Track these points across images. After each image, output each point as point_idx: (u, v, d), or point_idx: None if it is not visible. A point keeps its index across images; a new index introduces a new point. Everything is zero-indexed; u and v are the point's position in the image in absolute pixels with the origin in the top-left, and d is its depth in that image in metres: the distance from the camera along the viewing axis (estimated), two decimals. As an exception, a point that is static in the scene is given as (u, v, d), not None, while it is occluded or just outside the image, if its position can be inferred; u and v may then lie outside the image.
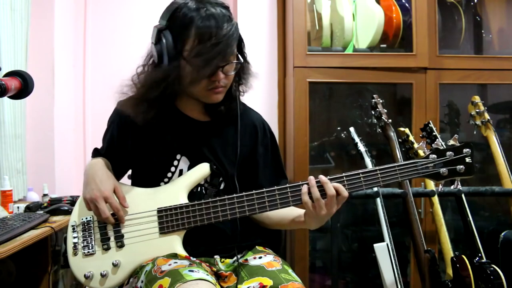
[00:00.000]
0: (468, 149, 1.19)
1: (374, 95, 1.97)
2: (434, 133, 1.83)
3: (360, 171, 1.18)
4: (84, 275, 1.20)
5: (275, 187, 1.19)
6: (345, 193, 1.15)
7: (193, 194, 1.28)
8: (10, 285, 1.73)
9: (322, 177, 1.15)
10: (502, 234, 1.85)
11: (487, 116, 1.98)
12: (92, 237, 1.23)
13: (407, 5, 2.26)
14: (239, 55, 1.25)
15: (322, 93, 2.62)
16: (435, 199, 1.92)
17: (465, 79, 2.22)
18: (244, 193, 1.19)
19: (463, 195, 1.83)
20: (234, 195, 1.20)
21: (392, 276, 1.75)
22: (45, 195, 2.04)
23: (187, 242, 1.22)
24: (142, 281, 1.13)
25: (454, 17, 2.39)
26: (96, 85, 2.54)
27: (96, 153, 1.39)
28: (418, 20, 2.16)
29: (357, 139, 1.98)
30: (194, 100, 1.29)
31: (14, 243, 1.36)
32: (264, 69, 2.51)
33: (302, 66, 2.15)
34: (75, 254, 1.22)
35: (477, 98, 2.01)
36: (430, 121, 1.87)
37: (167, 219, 1.21)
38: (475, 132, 2.04)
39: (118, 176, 1.38)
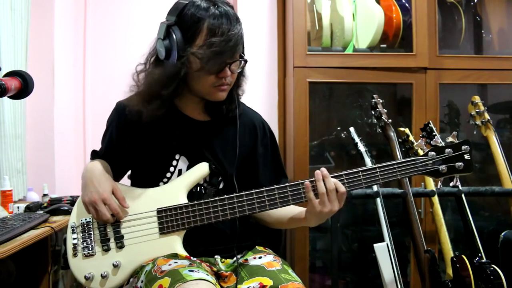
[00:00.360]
0: (466, 146, 1.20)
1: (374, 95, 1.97)
2: (434, 133, 1.83)
3: (359, 169, 1.19)
4: (85, 276, 1.20)
5: (275, 186, 1.19)
6: (342, 188, 1.15)
7: (192, 194, 1.28)
8: (10, 285, 1.73)
9: (323, 170, 1.16)
10: (502, 234, 1.85)
11: (487, 116, 1.98)
12: (92, 238, 1.23)
13: (407, 5, 2.26)
14: (242, 55, 1.25)
15: (322, 93, 2.62)
16: (435, 199, 1.92)
17: (465, 79, 2.22)
18: (243, 193, 1.20)
19: (463, 195, 1.83)
20: (234, 194, 1.20)
21: (392, 276, 1.75)
22: (45, 195, 2.04)
23: (187, 242, 1.22)
24: (142, 281, 1.13)
25: (454, 17, 2.39)
26: (96, 85, 2.54)
27: (94, 155, 1.39)
28: (418, 20, 2.16)
29: (357, 139, 1.98)
30: (194, 99, 1.30)
31: (14, 243, 1.36)
32: (264, 69, 2.51)
33: (302, 66, 2.15)
34: (75, 255, 1.22)
35: (477, 98, 2.01)
36: (430, 121, 1.87)
37: (167, 219, 1.21)
38: (475, 132, 2.04)
39: (118, 177, 1.38)
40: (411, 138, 1.90)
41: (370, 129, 2.44)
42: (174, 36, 1.18)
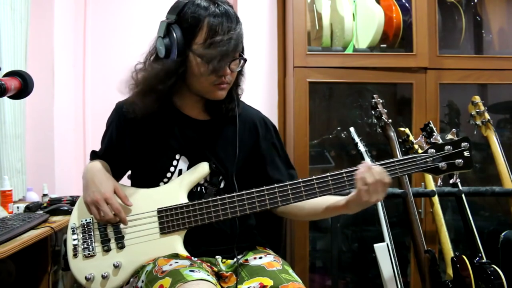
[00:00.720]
0: (466, 143, 1.20)
1: (374, 95, 1.97)
2: (434, 133, 1.83)
3: (359, 166, 1.18)
4: (85, 277, 1.20)
5: (275, 185, 1.19)
6: (387, 178, 1.15)
7: (193, 194, 1.28)
8: (10, 285, 1.73)
9: (368, 163, 1.15)
10: (503, 234, 1.85)
11: (487, 116, 1.98)
12: (92, 239, 1.23)
13: (407, 5, 2.26)
14: (241, 54, 1.26)
15: (322, 93, 2.62)
16: (435, 199, 1.91)
17: (465, 79, 2.22)
18: (244, 192, 1.20)
19: (463, 195, 1.83)
20: (234, 194, 1.20)
21: (392, 276, 1.74)
22: (44, 195, 2.04)
23: (188, 242, 1.22)
24: (142, 281, 1.13)
25: (454, 17, 2.39)
26: (96, 85, 2.54)
27: (94, 155, 1.39)
28: (418, 20, 2.16)
29: (357, 139, 1.98)
30: (194, 98, 1.29)
31: (14, 243, 1.36)
32: (264, 69, 2.51)
33: (302, 66, 2.15)
34: (75, 256, 1.22)
35: (477, 98, 2.01)
36: (430, 121, 1.87)
37: (168, 219, 1.21)
38: (475, 132, 2.04)
39: (117, 177, 1.38)
40: (411, 138, 1.90)
41: (370, 129, 2.44)
42: (174, 35, 1.18)
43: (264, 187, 1.20)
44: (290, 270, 1.21)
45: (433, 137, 1.24)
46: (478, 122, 2.00)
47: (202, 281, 1.05)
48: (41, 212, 1.76)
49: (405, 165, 1.19)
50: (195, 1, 1.20)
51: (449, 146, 1.19)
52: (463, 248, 2.14)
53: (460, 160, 1.19)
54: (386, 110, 1.94)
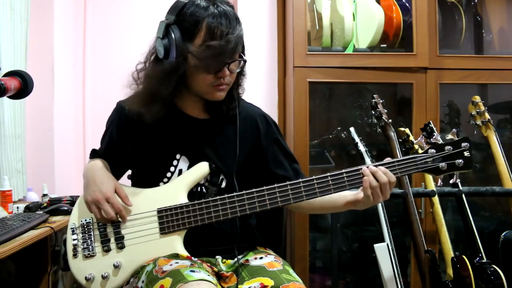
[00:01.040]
0: (466, 143, 1.20)
1: (374, 95, 1.97)
2: (434, 133, 1.83)
3: (359, 167, 1.19)
4: (85, 277, 1.19)
5: (275, 185, 1.19)
6: (393, 178, 1.17)
7: (193, 194, 1.27)
8: (9, 285, 1.73)
9: (371, 167, 1.17)
10: (503, 234, 1.85)
11: (487, 116, 1.98)
12: (92, 239, 1.23)
13: (407, 5, 2.26)
14: (241, 55, 1.25)
15: (322, 93, 2.62)
16: (436, 199, 1.91)
17: (465, 79, 2.22)
18: (244, 192, 1.20)
19: (463, 195, 1.83)
20: (234, 193, 1.20)
21: (392, 276, 1.74)
22: (44, 195, 2.04)
23: (188, 242, 1.22)
24: (143, 281, 1.13)
25: (454, 17, 2.39)
26: (96, 85, 2.54)
27: (94, 154, 1.39)
28: (419, 20, 2.16)
29: (357, 139, 1.98)
30: (194, 98, 1.29)
31: (13, 243, 1.35)
32: (264, 69, 2.51)
33: (302, 66, 2.15)
34: (75, 256, 1.22)
35: (477, 98, 2.01)
36: (431, 121, 1.86)
37: (168, 219, 1.21)
38: (475, 132, 2.04)
39: (117, 176, 1.38)
40: (412, 138, 1.90)
41: (370, 129, 2.44)
42: (173, 35, 1.17)
43: (264, 187, 1.19)
44: (291, 270, 1.20)
45: (433, 137, 1.24)
46: (478, 122, 2.00)
47: (202, 281, 1.05)
48: (41, 212, 1.76)
49: (405, 166, 1.19)
50: (194, 1, 1.19)
51: (449, 146, 1.19)
52: (463, 248, 2.14)
53: (460, 160, 1.19)
54: (386, 110, 1.94)
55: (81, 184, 1.28)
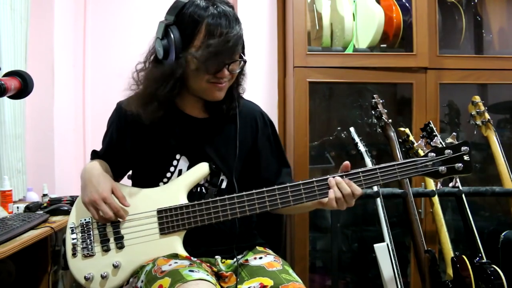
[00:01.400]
0: (466, 147, 1.20)
1: (374, 95, 1.97)
2: (434, 133, 1.83)
3: (359, 169, 1.19)
4: (84, 277, 1.19)
5: (275, 187, 1.19)
6: (358, 191, 1.17)
7: (193, 194, 1.27)
8: (10, 285, 1.73)
9: (337, 178, 1.18)
10: (503, 234, 1.85)
11: (487, 116, 1.98)
12: (92, 239, 1.23)
13: (407, 5, 2.26)
14: (241, 55, 1.25)
15: (322, 93, 2.62)
16: (435, 199, 1.91)
17: (465, 79, 2.22)
18: (244, 193, 1.19)
19: (463, 195, 1.83)
20: (234, 195, 1.20)
21: (392, 276, 1.75)
22: (44, 195, 2.04)
23: (187, 242, 1.22)
24: (142, 281, 1.13)
25: (454, 17, 2.39)
26: (96, 85, 2.54)
27: (94, 155, 1.39)
28: (419, 20, 2.16)
29: (357, 139, 1.98)
30: (194, 98, 1.29)
31: (14, 243, 1.36)
32: (264, 69, 2.51)
33: (302, 66, 2.15)
34: (74, 255, 1.22)
35: (477, 98, 2.01)
36: (431, 121, 1.87)
37: (167, 220, 1.21)
38: (475, 132, 2.04)
39: (118, 177, 1.38)
40: (411, 138, 1.90)
41: (370, 129, 2.44)
42: (172, 36, 1.17)
43: (264, 189, 1.19)
44: (290, 270, 1.20)
45: (433, 140, 1.24)
46: (478, 122, 2.00)
47: (201, 281, 1.05)
48: (41, 212, 1.76)
49: (405, 169, 1.19)
50: (194, 1, 1.19)
51: (449, 150, 1.20)
52: (463, 248, 2.14)
53: (460, 164, 1.20)
54: (386, 110, 1.94)
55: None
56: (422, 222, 2.06)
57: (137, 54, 1.30)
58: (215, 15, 1.16)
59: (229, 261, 1.27)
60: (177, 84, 1.21)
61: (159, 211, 1.22)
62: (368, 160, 1.92)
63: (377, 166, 1.19)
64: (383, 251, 1.77)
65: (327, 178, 1.19)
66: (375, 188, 1.86)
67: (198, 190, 1.29)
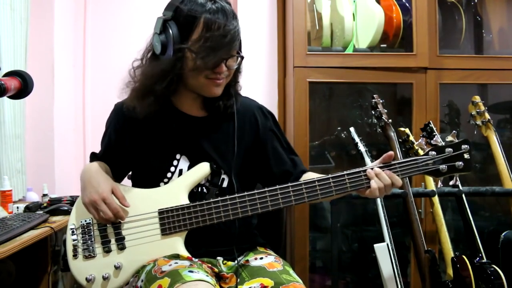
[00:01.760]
0: (466, 146, 1.20)
1: (374, 95, 1.97)
2: (434, 133, 1.83)
3: (360, 169, 1.19)
4: (86, 278, 1.19)
5: (277, 186, 1.18)
6: (398, 182, 1.19)
7: (194, 194, 1.27)
8: (10, 285, 1.73)
9: (376, 169, 1.18)
10: (503, 234, 1.85)
11: (487, 116, 1.98)
12: (93, 240, 1.22)
13: (407, 5, 2.26)
14: (238, 51, 1.25)
15: (322, 93, 2.62)
16: (436, 199, 1.91)
17: (465, 79, 2.22)
18: (246, 193, 1.19)
19: (463, 195, 1.83)
20: (236, 195, 1.19)
21: (392, 276, 1.75)
22: (44, 195, 2.04)
23: (189, 242, 1.22)
24: (142, 280, 1.12)
25: (454, 17, 2.39)
26: (96, 85, 2.54)
27: (93, 157, 1.39)
28: (419, 20, 2.16)
29: (357, 139, 1.98)
30: (192, 95, 1.29)
31: (13, 243, 1.35)
32: (264, 69, 2.51)
33: (302, 66, 2.15)
34: (75, 257, 1.22)
35: (477, 98, 2.01)
36: (431, 121, 1.87)
37: (169, 220, 1.21)
38: (475, 132, 2.04)
39: (118, 178, 1.38)
40: (411, 138, 1.90)
41: (370, 129, 2.44)
42: (170, 31, 1.17)
43: (266, 189, 1.19)
44: (291, 271, 1.20)
45: (434, 139, 1.24)
46: (478, 122, 2.00)
47: (200, 282, 1.05)
48: (41, 212, 1.76)
49: (406, 168, 1.20)
50: None
51: (450, 149, 1.20)
52: (463, 248, 2.14)
53: (460, 163, 1.20)
54: (386, 110, 1.94)
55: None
56: (422, 222, 2.06)
57: (137, 54, 1.30)
58: (213, 10, 1.16)
59: (230, 263, 1.27)
60: (174, 80, 1.21)
61: (161, 212, 1.22)
62: (368, 160, 1.92)
63: (378, 165, 1.19)
64: (383, 251, 1.77)
65: (361, 171, 1.19)
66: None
67: (199, 190, 1.29)
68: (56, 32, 2.26)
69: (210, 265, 1.24)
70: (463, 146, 1.20)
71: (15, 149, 2.04)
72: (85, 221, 1.25)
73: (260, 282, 1.12)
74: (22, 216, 1.62)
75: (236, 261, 1.25)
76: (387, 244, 1.78)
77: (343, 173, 1.19)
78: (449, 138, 1.24)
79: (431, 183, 1.95)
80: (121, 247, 1.21)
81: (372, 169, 1.18)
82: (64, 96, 2.34)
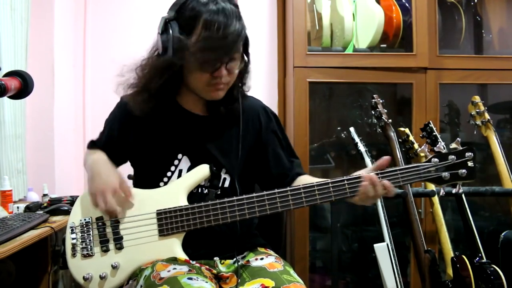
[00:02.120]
0: (470, 153, 1.17)
1: (374, 95, 1.97)
2: (434, 133, 1.83)
3: (360, 174, 1.17)
4: (83, 277, 1.19)
5: (276, 190, 1.17)
6: (392, 192, 1.16)
7: (193, 195, 1.27)
8: (10, 285, 1.73)
9: (373, 176, 1.15)
10: (502, 234, 1.85)
11: (487, 116, 1.98)
12: (91, 239, 1.22)
13: (407, 5, 2.26)
14: (244, 55, 1.24)
15: (322, 93, 2.62)
16: (435, 199, 1.92)
17: (465, 79, 2.22)
18: (244, 196, 1.18)
19: (463, 195, 1.83)
20: (234, 198, 1.19)
21: (392, 276, 1.75)
22: (45, 195, 2.04)
23: (187, 244, 1.21)
24: (141, 286, 1.12)
25: (454, 17, 2.39)
26: (96, 85, 2.54)
27: (93, 145, 1.38)
28: (418, 20, 2.16)
29: (357, 139, 1.98)
30: (195, 96, 1.29)
31: (14, 243, 1.35)
32: (264, 69, 2.51)
33: (302, 66, 2.15)
34: (73, 255, 1.22)
35: (477, 98, 2.01)
36: (430, 121, 1.87)
37: (167, 222, 1.20)
38: (475, 132, 2.04)
39: None
40: (411, 138, 1.90)
41: (370, 129, 2.44)
42: (171, 31, 1.17)
43: (265, 192, 1.17)
44: (292, 271, 1.20)
45: (437, 145, 1.22)
46: (478, 122, 2.00)
47: None
48: (41, 212, 1.76)
49: (407, 174, 1.16)
50: None
51: (453, 156, 1.17)
52: (463, 248, 2.14)
53: (463, 170, 1.18)
54: (386, 110, 1.94)
55: (81, 184, 1.28)
56: (422, 222, 2.06)
57: (137, 54, 1.29)
58: (214, 11, 1.15)
59: (228, 261, 1.26)
60: (172, 79, 1.21)
61: (159, 213, 1.21)
62: (368, 160, 1.92)
63: (379, 171, 1.16)
64: (383, 251, 1.77)
65: (357, 177, 1.16)
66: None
67: (200, 191, 1.29)
68: (56, 32, 2.26)
69: (208, 266, 1.23)
70: (467, 154, 1.17)
71: (15, 149, 2.04)
72: (84, 220, 1.24)
73: (261, 283, 1.11)
74: (22, 216, 1.62)
75: (235, 260, 1.25)
76: (387, 244, 1.78)
77: (342, 178, 1.17)
78: (453, 145, 1.20)
79: (431, 183, 1.94)
80: (119, 247, 1.20)
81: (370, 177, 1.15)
82: (64, 96, 2.34)
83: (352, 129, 2.03)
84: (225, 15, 1.15)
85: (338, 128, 2.54)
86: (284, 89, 2.48)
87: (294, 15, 2.16)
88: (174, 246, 1.20)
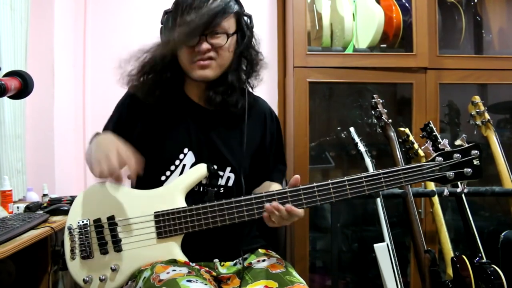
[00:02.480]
0: (476, 151, 1.13)
1: (374, 95, 1.97)
2: (434, 133, 1.83)
3: (362, 174, 1.14)
4: (83, 280, 1.19)
5: (275, 191, 1.16)
6: (298, 214, 1.13)
7: (193, 193, 1.26)
8: (10, 285, 1.73)
9: (274, 204, 1.11)
10: (502, 234, 1.85)
11: (487, 116, 1.98)
12: (90, 241, 1.21)
13: (407, 5, 2.26)
14: (238, 33, 1.28)
15: (322, 93, 2.62)
16: (435, 199, 1.91)
17: (465, 79, 2.22)
18: (242, 198, 1.17)
19: (463, 195, 1.83)
20: (233, 199, 1.18)
21: (392, 276, 1.74)
22: (45, 195, 2.04)
23: (186, 246, 1.21)
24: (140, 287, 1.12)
25: (454, 17, 2.39)
26: (96, 85, 2.54)
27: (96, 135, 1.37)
28: (418, 20, 2.16)
29: (357, 139, 1.98)
30: (195, 83, 1.29)
31: (14, 243, 1.35)
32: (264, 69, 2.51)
33: (302, 66, 2.15)
34: (73, 258, 1.21)
35: (477, 98, 2.01)
36: (430, 121, 1.87)
37: (165, 224, 1.19)
38: (475, 132, 2.04)
39: None
40: (411, 138, 1.90)
41: (370, 129, 2.44)
42: (166, 21, 1.23)
43: (263, 193, 1.16)
44: (294, 272, 1.19)
45: (442, 143, 1.19)
46: (478, 122, 2.00)
47: None
48: (41, 212, 1.76)
49: (410, 174, 1.13)
50: None
51: (458, 154, 1.13)
52: (463, 248, 2.14)
53: (469, 169, 1.13)
54: (386, 110, 1.94)
55: (81, 184, 1.28)
56: (422, 222, 2.06)
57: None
58: None
59: (228, 263, 1.26)
60: (171, 66, 1.25)
61: (156, 215, 1.20)
62: (368, 160, 1.92)
63: (381, 171, 1.13)
64: (383, 251, 1.77)
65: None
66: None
67: (201, 189, 1.28)
68: (56, 32, 2.26)
69: (207, 268, 1.23)
70: (473, 152, 1.13)
71: (15, 149, 2.03)
72: (82, 222, 1.23)
73: (264, 285, 1.10)
74: (22, 216, 1.62)
75: (235, 261, 1.25)
76: (387, 244, 1.78)
77: (327, 182, 1.14)
78: (458, 142, 1.16)
79: (431, 183, 1.94)
80: (118, 249, 1.20)
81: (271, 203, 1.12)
82: (64, 96, 2.34)
83: (352, 129, 2.03)
84: None
85: (338, 128, 2.54)
86: (284, 89, 2.48)
87: (294, 15, 2.16)
88: (173, 248, 1.19)
